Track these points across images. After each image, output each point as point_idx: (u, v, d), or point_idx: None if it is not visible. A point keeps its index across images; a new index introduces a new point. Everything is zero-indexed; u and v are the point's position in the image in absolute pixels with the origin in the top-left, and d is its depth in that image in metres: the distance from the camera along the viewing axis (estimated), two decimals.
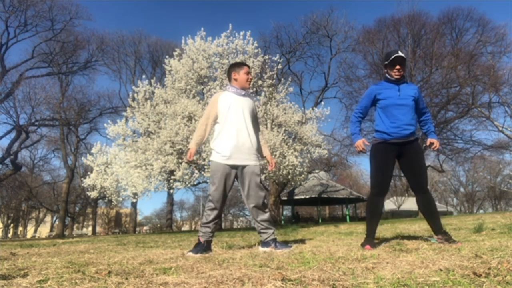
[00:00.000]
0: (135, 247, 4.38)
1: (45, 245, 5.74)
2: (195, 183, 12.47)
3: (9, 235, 45.76)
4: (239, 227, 41.91)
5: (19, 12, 23.77)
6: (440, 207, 38.98)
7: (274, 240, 3.15)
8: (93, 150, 12.76)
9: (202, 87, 12.31)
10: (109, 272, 1.98)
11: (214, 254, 2.90)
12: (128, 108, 12.63)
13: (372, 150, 3.12)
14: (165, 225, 35.49)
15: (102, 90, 68.83)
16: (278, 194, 21.80)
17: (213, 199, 3.11)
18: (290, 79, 14.45)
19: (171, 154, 11.05)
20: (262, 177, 9.72)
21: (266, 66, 13.06)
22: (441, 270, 1.68)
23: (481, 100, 23.55)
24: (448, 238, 2.90)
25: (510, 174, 38.37)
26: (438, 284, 1.43)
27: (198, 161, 10.97)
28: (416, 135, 3.11)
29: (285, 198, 25.28)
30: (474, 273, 1.57)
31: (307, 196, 24.86)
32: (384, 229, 5.70)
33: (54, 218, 43.78)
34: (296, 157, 11.70)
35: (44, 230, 46.42)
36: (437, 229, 3.01)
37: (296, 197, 25.33)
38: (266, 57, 13.10)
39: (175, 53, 12.68)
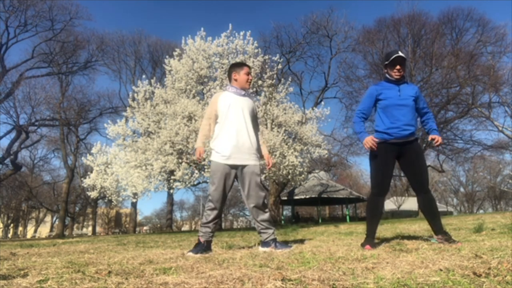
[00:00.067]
0: (135, 247, 4.38)
1: (45, 245, 5.74)
2: (195, 183, 12.48)
3: (9, 235, 45.75)
4: (239, 227, 41.91)
5: (19, 12, 23.80)
6: (440, 207, 38.90)
7: (274, 240, 3.15)
8: (93, 150, 12.77)
9: (202, 87, 12.31)
10: (109, 272, 1.98)
11: (214, 254, 2.90)
12: (128, 108, 12.63)
13: (372, 151, 3.12)
14: (165, 225, 35.49)
15: (102, 90, 68.94)
16: (278, 194, 21.79)
17: (213, 199, 3.11)
18: (290, 79, 14.46)
19: (171, 154, 11.06)
20: (262, 177, 9.71)
21: (266, 66, 13.06)
22: (441, 270, 1.68)
23: (481, 100, 23.54)
24: (448, 238, 2.90)
25: (510, 174, 38.36)
26: (438, 284, 1.43)
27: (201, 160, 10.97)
28: (416, 135, 3.11)
29: (285, 198, 25.27)
30: (474, 273, 1.57)
31: (307, 196, 24.86)
32: (384, 229, 5.70)
33: (54, 218, 43.77)
34: (296, 157, 11.71)
35: (44, 230, 46.40)
36: (438, 229, 3.01)
37: (296, 197, 25.32)
38: (266, 57, 13.10)
39: (175, 53, 12.68)
